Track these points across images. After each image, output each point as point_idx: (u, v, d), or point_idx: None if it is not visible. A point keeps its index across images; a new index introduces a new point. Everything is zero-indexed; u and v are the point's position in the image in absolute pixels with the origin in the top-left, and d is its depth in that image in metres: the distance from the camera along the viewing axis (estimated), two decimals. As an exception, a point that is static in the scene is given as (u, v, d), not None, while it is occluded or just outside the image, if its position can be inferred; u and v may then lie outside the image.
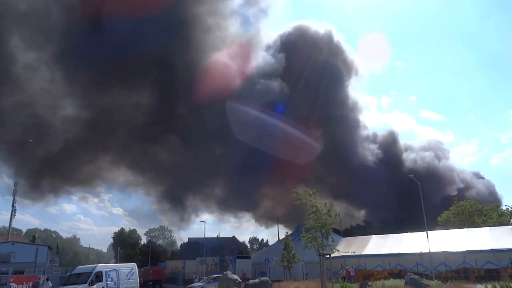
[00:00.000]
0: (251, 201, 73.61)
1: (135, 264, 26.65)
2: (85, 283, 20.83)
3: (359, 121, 77.81)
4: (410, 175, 34.88)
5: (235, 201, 74.09)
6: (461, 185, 70.28)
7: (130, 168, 72.07)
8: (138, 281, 25.56)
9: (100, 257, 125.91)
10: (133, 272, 24.68)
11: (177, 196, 75.07)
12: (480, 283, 26.04)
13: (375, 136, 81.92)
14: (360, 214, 73.74)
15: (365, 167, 67.67)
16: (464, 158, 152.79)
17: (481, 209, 53.65)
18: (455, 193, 65.24)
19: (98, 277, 21.51)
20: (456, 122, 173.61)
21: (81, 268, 24.44)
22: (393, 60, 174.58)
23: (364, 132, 79.99)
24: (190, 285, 33.14)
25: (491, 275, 30.38)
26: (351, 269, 35.82)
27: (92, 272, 21.54)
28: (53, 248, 71.80)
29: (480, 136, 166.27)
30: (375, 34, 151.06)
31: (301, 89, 66.78)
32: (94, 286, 21.11)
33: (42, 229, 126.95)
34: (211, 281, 31.43)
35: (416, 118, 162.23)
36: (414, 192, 39.28)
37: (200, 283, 32.28)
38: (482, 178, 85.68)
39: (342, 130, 69.38)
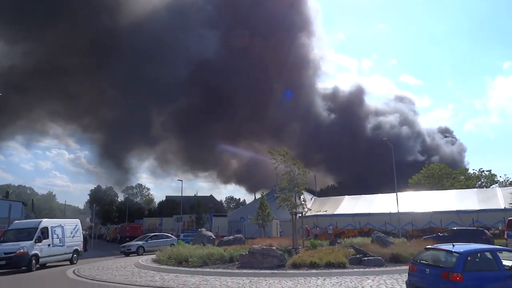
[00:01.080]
0: (214, 160, 75.13)
1: (79, 220, 24.16)
2: (31, 239, 18.26)
3: (317, 77, 79.43)
4: (383, 138, 35.55)
5: (200, 160, 75.67)
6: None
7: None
8: (83, 239, 23.55)
9: (76, 213, 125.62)
10: (78, 229, 22.67)
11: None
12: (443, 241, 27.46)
13: (335, 93, 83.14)
14: (335, 176, 75.72)
15: (325, 126, 69.50)
16: (439, 123, 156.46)
17: (450, 173, 55.72)
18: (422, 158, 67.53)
19: (44, 233, 19.16)
20: (434, 87, 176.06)
21: (22, 223, 21.61)
22: (376, 22, 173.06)
23: (326, 91, 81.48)
24: (126, 244, 30.59)
25: (454, 234, 32.10)
26: (317, 229, 37.12)
27: (38, 228, 18.97)
28: (28, 204, 71.17)
29: (456, 101, 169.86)
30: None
31: (256, 40, 65.96)
32: (40, 244, 18.73)
33: (16, 185, 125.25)
34: (148, 240, 30.32)
35: (395, 82, 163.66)
36: (386, 153, 40.42)
37: (138, 242, 30.07)
38: (453, 137, 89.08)
39: (300, 88, 70.69)
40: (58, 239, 20.19)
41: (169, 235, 33.64)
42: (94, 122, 72.83)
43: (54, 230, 20.05)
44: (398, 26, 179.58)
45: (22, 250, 17.70)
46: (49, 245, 19.40)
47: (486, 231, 24.67)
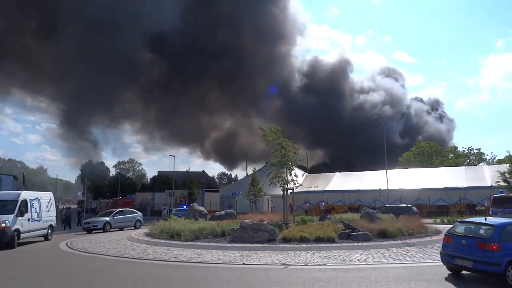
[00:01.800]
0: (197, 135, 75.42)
1: (52, 193, 22.15)
2: (12, 213, 16.65)
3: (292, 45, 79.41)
4: (375, 116, 35.73)
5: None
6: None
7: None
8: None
9: (68, 187, 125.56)
10: (52, 203, 20.89)
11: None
12: (430, 218, 28.16)
13: (315, 65, 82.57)
14: (327, 153, 76.32)
15: (305, 102, 69.66)
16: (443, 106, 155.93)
17: (440, 150, 56.46)
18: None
19: (23, 206, 17.49)
20: (427, 64, 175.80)
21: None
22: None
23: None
24: (91, 219, 27.63)
25: (441, 210, 32.88)
26: (307, 204, 37.72)
27: (18, 200, 17.24)
28: (19, 178, 70.87)
29: (449, 80, 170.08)
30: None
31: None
32: (22, 218, 17.21)
33: (6, 159, 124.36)
34: (115, 215, 27.51)
35: (388, 59, 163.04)
36: (372, 131, 40.82)
37: (104, 218, 27.15)
38: (442, 112, 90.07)
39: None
40: (36, 213, 18.61)
41: (135, 210, 31.45)
42: (58, 93, 72.11)
43: (32, 203, 18.44)
44: (393, 2, 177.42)
45: (4, 225, 16.04)
46: (28, 219, 17.80)
47: (414, 208, 25.83)
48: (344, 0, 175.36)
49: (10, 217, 16.57)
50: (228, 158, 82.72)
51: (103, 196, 74.31)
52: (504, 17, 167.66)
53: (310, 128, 68.55)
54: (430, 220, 25.69)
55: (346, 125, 67.11)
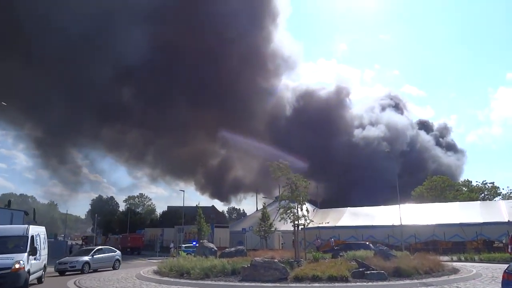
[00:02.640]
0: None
1: (44, 227, 19.03)
2: (23, 251, 14.48)
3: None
4: (386, 150, 35.51)
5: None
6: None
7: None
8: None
9: (77, 223, 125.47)
10: (45, 239, 18.57)
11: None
12: (446, 255, 27.28)
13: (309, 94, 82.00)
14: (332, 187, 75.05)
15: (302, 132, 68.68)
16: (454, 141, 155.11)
17: (453, 185, 55.54)
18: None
19: (33, 244, 15.40)
20: (437, 97, 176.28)
21: (4, 229, 16.20)
22: (378, 33, 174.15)
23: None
24: (67, 259, 24.02)
25: (457, 247, 31.90)
26: (318, 240, 36.93)
27: (28, 236, 15.12)
28: (30, 213, 71.06)
29: (459, 112, 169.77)
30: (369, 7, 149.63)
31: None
32: (34, 257, 15.19)
33: (18, 194, 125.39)
34: (95, 254, 24.04)
35: (398, 93, 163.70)
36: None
37: (83, 257, 23.34)
38: (451, 141, 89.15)
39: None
40: (38, 252, 16.10)
41: (114, 249, 27.80)
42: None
43: (37, 240, 16.20)
44: (400, 37, 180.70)
45: (18, 265, 13.64)
46: (35, 258, 15.50)
47: (371, 245, 25.38)
48: (352, 36, 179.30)
49: (23, 256, 14.26)
50: (220, 191, 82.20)
51: (113, 232, 73.92)
52: None
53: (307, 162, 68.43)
54: (446, 258, 24.85)
55: (343, 159, 66.27)
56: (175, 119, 69.24)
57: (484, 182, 58.93)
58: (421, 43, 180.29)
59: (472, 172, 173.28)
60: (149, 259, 36.76)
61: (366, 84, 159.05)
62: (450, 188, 54.75)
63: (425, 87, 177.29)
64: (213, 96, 67.98)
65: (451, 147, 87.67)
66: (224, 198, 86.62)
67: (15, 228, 16.72)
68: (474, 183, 59.65)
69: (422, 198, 51.55)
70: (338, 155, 66.92)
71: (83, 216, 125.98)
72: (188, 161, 76.95)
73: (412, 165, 68.31)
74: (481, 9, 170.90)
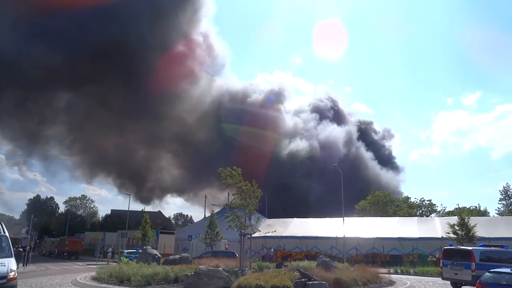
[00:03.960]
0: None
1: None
2: (9, 256, 11.61)
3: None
4: (333, 164, 36.65)
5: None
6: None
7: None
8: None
9: (10, 223, 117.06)
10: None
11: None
12: (384, 268, 28.53)
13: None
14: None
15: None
16: (394, 156, 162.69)
17: (393, 200, 58.30)
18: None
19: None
20: (383, 116, 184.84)
21: None
22: (331, 50, 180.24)
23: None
24: None
25: (395, 260, 33.45)
26: (264, 250, 37.36)
27: (7, 236, 12.24)
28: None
29: (403, 132, 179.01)
30: (326, 23, 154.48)
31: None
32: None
33: None
34: None
35: (347, 109, 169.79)
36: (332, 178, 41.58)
37: None
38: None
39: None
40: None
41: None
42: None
43: None
44: (352, 56, 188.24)
45: (13, 274, 11.07)
46: None
47: (236, 253, 28.55)
48: (308, 50, 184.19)
49: (12, 261, 11.42)
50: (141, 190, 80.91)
51: (49, 235, 69.77)
52: (453, 76, 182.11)
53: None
54: (384, 270, 26.01)
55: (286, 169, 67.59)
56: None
57: (422, 199, 62.43)
58: (371, 64, 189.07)
59: (411, 189, 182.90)
60: (87, 264, 35.09)
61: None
62: (391, 204, 57.41)
63: (373, 106, 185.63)
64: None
65: (389, 162, 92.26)
66: (146, 200, 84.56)
67: None
68: (412, 199, 63.05)
69: (365, 212, 53.61)
70: (280, 165, 67.97)
71: (17, 217, 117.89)
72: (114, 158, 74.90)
73: (352, 179, 71.21)
74: (430, 36, 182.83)
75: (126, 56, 64.37)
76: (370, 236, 36.38)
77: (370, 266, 21.21)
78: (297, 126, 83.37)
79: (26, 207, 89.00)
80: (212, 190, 72.21)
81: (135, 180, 78.21)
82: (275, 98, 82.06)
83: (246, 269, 18.72)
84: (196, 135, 72.20)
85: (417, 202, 62.01)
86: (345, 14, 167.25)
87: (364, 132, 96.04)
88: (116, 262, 28.08)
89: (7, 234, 12.21)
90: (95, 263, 36.31)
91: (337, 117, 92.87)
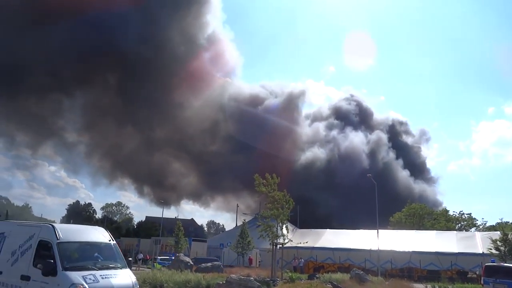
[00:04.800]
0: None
1: None
2: (124, 266, 10.39)
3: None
4: (368, 175, 35.87)
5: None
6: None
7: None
8: None
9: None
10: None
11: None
12: (421, 283, 27.47)
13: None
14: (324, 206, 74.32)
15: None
16: (428, 166, 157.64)
17: (431, 213, 56.28)
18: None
19: None
20: (420, 126, 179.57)
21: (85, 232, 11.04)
22: (366, 59, 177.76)
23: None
24: None
25: (432, 276, 32.14)
26: (296, 260, 36.80)
27: (116, 244, 11.14)
28: (2, 215, 69.09)
29: (441, 142, 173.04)
30: (358, 32, 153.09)
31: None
32: None
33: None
34: None
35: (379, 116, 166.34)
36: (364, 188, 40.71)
37: None
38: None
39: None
40: None
41: None
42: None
43: None
44: (387, 64, 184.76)
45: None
46: None
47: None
48: (341, 59, 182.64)
49: (130, 273, 10.38)
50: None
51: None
52: (495, 86, 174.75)
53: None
54: (421, 286, 25.04)
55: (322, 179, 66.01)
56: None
57: (461, 213, 59.93)
58: (407, 72, 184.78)
59: (449, 201, 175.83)
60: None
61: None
62: (428, 217, 55.43)
63: (409, 115, 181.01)
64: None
65: (422, 171, 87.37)
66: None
67: (95, 231, 11.38)
68: (451, 213, 60.62)
69: (400, 225, 51.98)
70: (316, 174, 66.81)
71: (58, 221, 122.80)
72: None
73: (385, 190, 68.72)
74: (468, 43, 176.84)
75: (148, 63, 66.33)
76: (406, 250, 35.18)
77: (405, 281, 20.54)
78: (316, 133, 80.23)
79: (66, 212, 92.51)
80: (228, 198, 72.87)
81: (152, 184, 79.84)
82: (288, 103, 79.24)
83: (278, 279, 18.59)
84: (215, 142, 72.60)
85: (455, 215, 59.66)
86: (375, 23, 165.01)
87: (396, 134, 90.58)
88: (149, 268, 28.59)
89: (115, 242, 11.02)
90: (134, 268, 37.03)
91: (363, 119, 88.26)
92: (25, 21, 58.66)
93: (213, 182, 74.31)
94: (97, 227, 11.83)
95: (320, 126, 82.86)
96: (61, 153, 79.89)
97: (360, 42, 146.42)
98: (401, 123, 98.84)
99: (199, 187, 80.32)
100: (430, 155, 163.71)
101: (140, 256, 40.36)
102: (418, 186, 77.47)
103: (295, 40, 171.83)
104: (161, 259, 35.81)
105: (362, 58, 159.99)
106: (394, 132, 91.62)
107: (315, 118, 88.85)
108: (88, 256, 10.16)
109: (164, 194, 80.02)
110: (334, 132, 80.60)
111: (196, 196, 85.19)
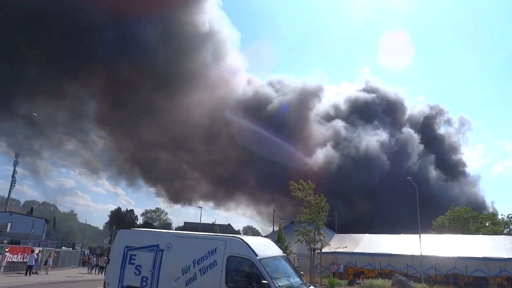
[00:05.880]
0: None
1: None
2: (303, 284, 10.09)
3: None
4: (408, 177, 34.85)
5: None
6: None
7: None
8: None
9: (96, 234, 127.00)
10: None
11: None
12: (467, 290, 26.28)
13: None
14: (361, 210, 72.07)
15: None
16: (469, 164, 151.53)
17: (476, 216, 53.78)
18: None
19: None
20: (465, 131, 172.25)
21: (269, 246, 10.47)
22: (402, 57, 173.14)
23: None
24: None
25: (480, 282, 30.66)
26: (335, 266, 36.14)
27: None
28: (50, 222, 72.57)
29: (485, 142, 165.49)
30: (395, 32, 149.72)
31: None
32: None
33: (40, 201, 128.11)
34: None
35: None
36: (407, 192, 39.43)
37: None
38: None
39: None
40: None
41: None
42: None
43: None
44: (424, 63, 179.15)
45: None
46: None
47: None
48: (376, 59, 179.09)
49: None
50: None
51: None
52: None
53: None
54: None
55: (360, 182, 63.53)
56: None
57: (510, 216, 56.81)
58: (446, 71, 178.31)
59: (497, 204, 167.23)
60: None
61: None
62: (474, 220, 52.97)
63: (450, 114, 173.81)
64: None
65: (459, 171, 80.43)
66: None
67: (270, 243, 10.86)
68: (499, 216, 57.59)
69: (443, 229, 49.98)
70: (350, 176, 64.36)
71: (101, 227, 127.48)
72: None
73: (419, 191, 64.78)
74: (509, 40, 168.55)
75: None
76: (451, 255, 33.72)
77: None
78: (337, 132, 74.67)
79: (108, 219, 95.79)
80: (262, 203, 72.56)
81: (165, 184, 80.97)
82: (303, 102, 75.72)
83: (317, 285, 18.37)
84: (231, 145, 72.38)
85: (504, 219, 56.68)
86: (411, 22, 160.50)
87: (430, 126, 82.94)
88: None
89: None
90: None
91: (389, 110, 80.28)
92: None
93: (247, 187, 74.69)
94: (265, 238, 11.19)
95: (340, 124, 76.49)
96: (102, 161, 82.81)
97: (396, 41, 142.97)
98: (437, 110, 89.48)
99: (234, 192, 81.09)
100: (474, 156, 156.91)
101: None
102: (457, 188, 72.98)
103: (328, 41, 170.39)
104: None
105: (398, 57, 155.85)
106: (428, 123, 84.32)
107: (331, 116, 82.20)
108: (283, 272, 9.53)
109: (202, 198, 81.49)
110: (359, 130, 74.29)
111: (232, 201, 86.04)
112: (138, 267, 9.38)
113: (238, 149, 70.30)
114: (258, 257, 8.62)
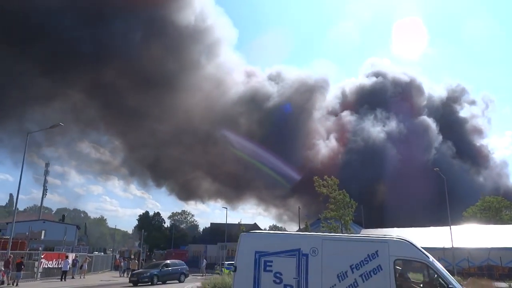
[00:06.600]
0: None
1: None
2: None
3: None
4: (435, 169, 34.12)
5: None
6: None
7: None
8: None
9: (125, 238, 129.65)
10: None
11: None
12: (503, 281, 25.50)
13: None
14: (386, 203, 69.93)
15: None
16: (496, 151, 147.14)
17: (509, 205, 52.07)
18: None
19: None
20: (489, 112, 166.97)
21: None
22: (424, 46, 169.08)
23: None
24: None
25: (516, 273, 29.76)
26: None
27: None
28: (81, 228, 74.63)
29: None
30: (411, 18, 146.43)
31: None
32: None
33: (71, 208, 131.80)
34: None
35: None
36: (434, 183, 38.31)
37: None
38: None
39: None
40: None
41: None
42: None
43: None
44: (451, 49, 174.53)
45: None
46: None
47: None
48: (386, 51, 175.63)
49: None
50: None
51: (158, 247, 75.70)
52: None
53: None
54: (504, 284, 23.24)
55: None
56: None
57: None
58: (473, 56, 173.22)
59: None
60: (192, 275, 37.22)
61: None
62: (507, 209, 51.30)
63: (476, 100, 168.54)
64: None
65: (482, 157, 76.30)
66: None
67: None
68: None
69: (474, 219, 48.62)
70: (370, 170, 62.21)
71: (130, 231, 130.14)
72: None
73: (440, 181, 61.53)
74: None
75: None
76: (484, 246, 32.86)
77: (485, 280, 19.24)
78: (347, 123, 72.10)
79: (137, 223, 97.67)
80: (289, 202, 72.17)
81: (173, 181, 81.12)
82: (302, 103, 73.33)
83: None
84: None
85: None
86: (426, 10, 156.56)
87: (450, 111, 78.78)
88: (217, 273, 29.36)
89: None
90: (201, 274, 38.26)
91: (405, 95, 75.82)
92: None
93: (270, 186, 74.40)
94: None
95: (350, 116, 73.91)
96: (127, 167, 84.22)
97: (407, 32, 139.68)
98: (457, 92, 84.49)
99: (259, 191, 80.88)
100: (503, 144, 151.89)
101: (204, 263, 41.53)
102: (481, 176, 69.71)
103: (337, 32, 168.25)
104: (228, 264, 36.56)
105: (409, 48, 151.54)
106: (448, 105, 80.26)
107: (335, 109, 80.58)
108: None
109: (229, 200, 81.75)
110: (371, 118, 71.70)
111: (258, 200, 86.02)
112: (277, 275, 8.67)
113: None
114: (429, 259, 8.44)
